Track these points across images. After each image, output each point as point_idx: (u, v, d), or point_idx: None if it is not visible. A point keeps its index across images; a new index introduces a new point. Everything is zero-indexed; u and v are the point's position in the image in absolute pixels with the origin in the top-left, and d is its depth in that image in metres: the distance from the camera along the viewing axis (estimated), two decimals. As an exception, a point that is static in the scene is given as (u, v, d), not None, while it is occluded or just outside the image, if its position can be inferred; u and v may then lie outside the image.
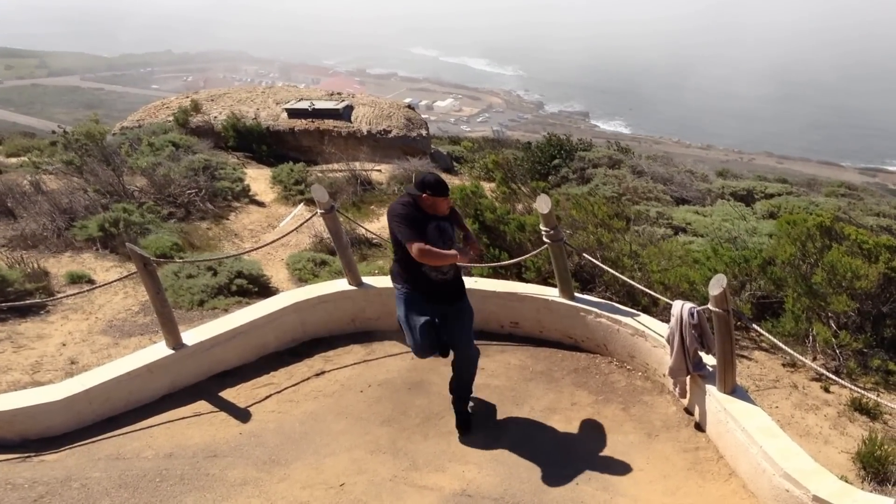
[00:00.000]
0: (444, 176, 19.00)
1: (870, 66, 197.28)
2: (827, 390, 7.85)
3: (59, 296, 10.06)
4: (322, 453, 6.57)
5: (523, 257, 9.23)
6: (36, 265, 10.76)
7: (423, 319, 6.42)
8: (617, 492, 6.19)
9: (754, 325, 6.85)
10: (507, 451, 6.65)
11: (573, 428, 6.99)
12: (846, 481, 5.87)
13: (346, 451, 6.60)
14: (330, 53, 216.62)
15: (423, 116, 26.19)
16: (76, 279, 10.77)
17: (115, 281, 9.79)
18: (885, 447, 6.54)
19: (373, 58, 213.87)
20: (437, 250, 6.20)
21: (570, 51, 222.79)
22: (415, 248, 6.09)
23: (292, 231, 10.27)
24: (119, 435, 6.80)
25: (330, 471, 6.36)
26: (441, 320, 6.55)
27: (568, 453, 6.64)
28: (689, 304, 6.84)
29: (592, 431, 6.96)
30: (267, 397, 7.42)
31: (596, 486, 6.24)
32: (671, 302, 7.11)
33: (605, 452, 6.66)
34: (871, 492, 6.01)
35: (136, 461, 6.44)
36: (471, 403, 7.07)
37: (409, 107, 25.90)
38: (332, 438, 6.75)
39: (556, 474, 6.36)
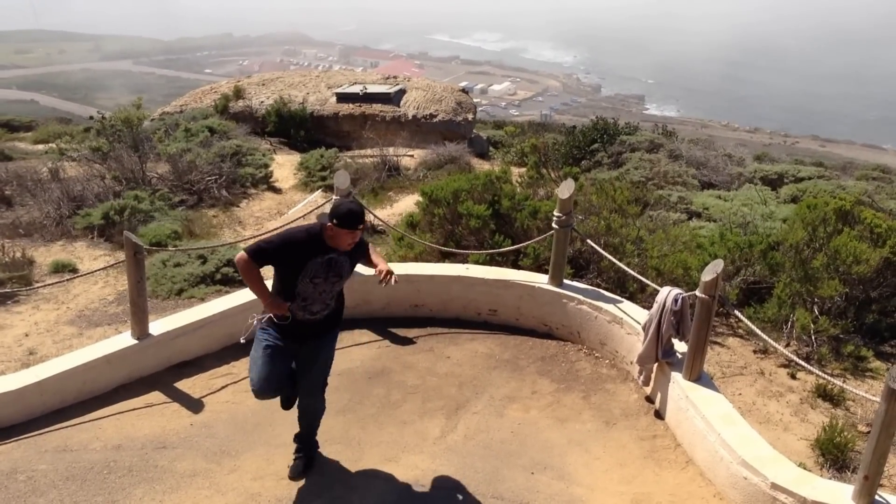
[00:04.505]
0: (476, 161, 19.18)
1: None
2: (794, 377, 7.70)
3: (37, 285, 9.97)
4: (273, 444, 6.46)
5: (524, 244, 9.15)
6: (21, 254, 10.69)
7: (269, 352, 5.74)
8: (573, 481, 6.07)
9: (735, 312, 6.74)
10: (462, 441, 6.55)
11: (531, 417, 6.88)
12: (804, 468, 5.77)
13: (299, 441, 6.49)
14: (393, 36, 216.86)
15: (475, 100, 25.88)
16: (60, 268, 10.68)
17: (97, 270, 9.72)
18: (845, 434, 6.41)
19: (436, 41, 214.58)
20: (253, 277, 5.53)
21: (631, 29, 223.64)
22: (239, 256, 5.49)
23: (297, 219, 10.10)
24: (67, 427, 6.68)
25: (281, 461, 6.25)
26: (295, 358, 5.88)
27: (523, 442, 6.52)
28: (675, 291, 6.77)
29: (550, 420, 6.85)
30: (223, 387, 7.31)
31: (551, 476, 6.12)
32: (659, 288, 7.03)
33: (562, 441, 6.55)
34: (829, 479, 5.88)
35: (83, 453, 6.33)
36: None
37: (464, 90, 25.48)
38: (285, 429, 6.60)
39: (511, 464, 6.26)
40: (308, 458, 6.23)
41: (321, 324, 5.77)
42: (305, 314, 5.66)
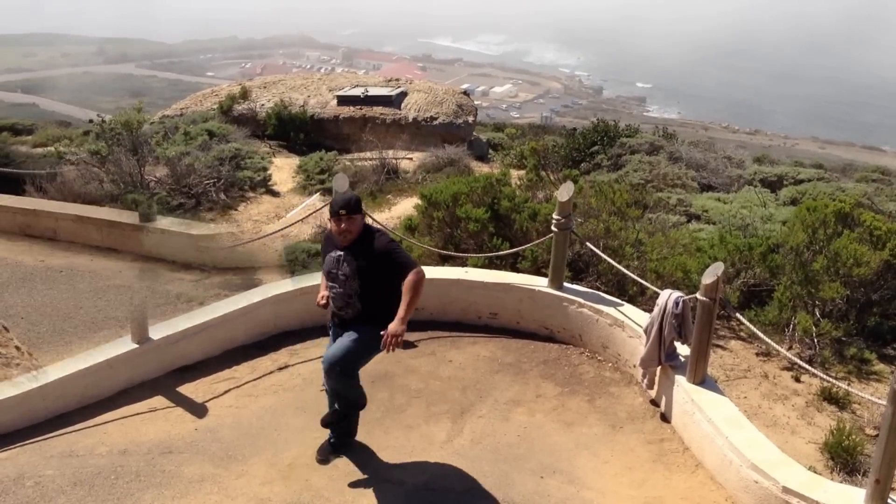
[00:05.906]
0: (475, 164, 19.08)
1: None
2: (798, 380, 7.74)
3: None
4: (280, 448, 6.41)
5: (523, 247, 9.15)
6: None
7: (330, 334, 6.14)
8: (583, 485, 6.06)
9: (737, 314, 6.75)
10: (469, 444, 6.52)
11: (537, 420, 6.87)
12: (814, 472, 5.76)
13: (306, 446, 6.43)
14: (396, 39, 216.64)
15: (476, 103, 25.93)
16: (57, 270, 10.66)
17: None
18: (853, 437, 6.43)
19: (439, 45, 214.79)
20: (323, 284, 6.02)
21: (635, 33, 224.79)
22: None
23: (295, 223, 10.04)
24: (71, 432, 6.64)
25: (288, 466, 6.20)
26: None
27: (531, 446, 6.51)
28: (676, 294, 6.76)
29: (556, 424, 6.83)
30: (226, 392, 7.27)
31: (561, 480, 6.11)
32: (659, 291, 7.03)
33: (569, 445, 6.54)
34: (840, 482, 5.89)
35: (89, 458, 6.28)
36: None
37: (465, 93, 25.54)
38: (291, 434, 6.60)
39: (520, 468, 6.24)
40: (335, 445, 6.29)
41: (349, 321, 5.85)
42: (333, 307, 5.91)
